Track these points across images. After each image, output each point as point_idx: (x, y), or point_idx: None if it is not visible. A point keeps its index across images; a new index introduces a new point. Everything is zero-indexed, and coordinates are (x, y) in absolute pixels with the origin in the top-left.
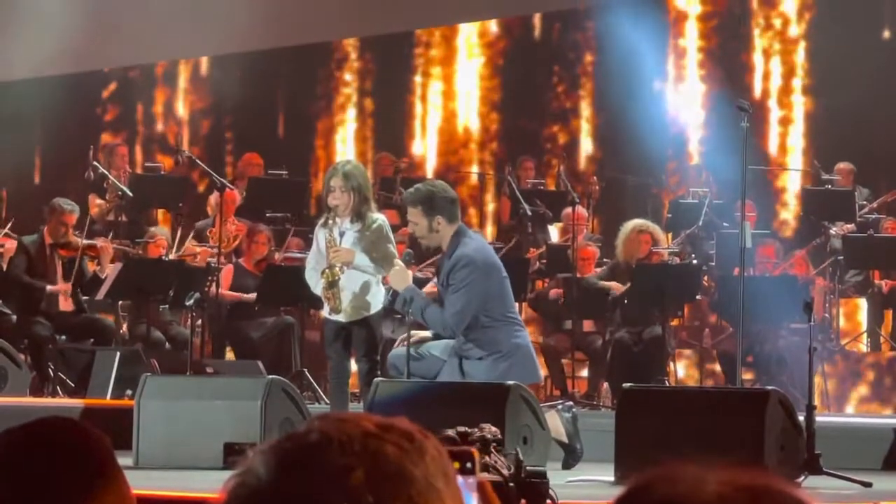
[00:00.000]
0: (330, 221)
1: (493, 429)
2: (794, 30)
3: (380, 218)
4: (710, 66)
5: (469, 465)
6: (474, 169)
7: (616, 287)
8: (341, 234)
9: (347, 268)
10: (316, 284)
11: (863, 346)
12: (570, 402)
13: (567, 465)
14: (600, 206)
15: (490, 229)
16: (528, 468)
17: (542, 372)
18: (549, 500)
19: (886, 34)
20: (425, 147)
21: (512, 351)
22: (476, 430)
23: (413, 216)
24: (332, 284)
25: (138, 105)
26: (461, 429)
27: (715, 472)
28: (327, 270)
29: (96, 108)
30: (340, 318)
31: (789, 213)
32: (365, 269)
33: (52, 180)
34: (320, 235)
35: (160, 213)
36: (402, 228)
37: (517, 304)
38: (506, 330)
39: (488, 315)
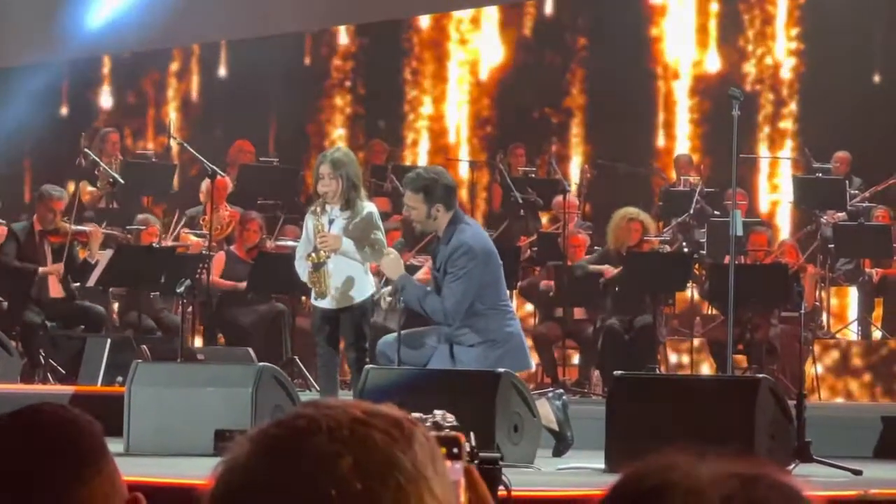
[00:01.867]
0: (319, 209)
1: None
2: (785, 15)
3: (369, 206)
4: (703, 53)
5: (456, 450)
6: (465, 155)
7: (607, 271)
8: (330, 222)
9: (335, 254)
10: (304, 273)
11: (852, 333)
12: (561, 390)
13: (558, 453)
14: (591, 194)
15: (480, 214)
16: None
17: (534, 361)
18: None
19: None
20: (417, 132)
21: (504, 339)
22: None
23: (412, 201)
24: (318, 267)
25: (129, 91)
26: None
27: (709, 460)
28: (313, 254)
29: (87, 94)
30: (328, 304)
31: (779, 199)
32: (353, 256)
33: (42, 167)
34: (309, 223)
35: (149, 199)
36: (394, 216)
37: (508, 293)
38: (498, 318)
39: (482, 303)
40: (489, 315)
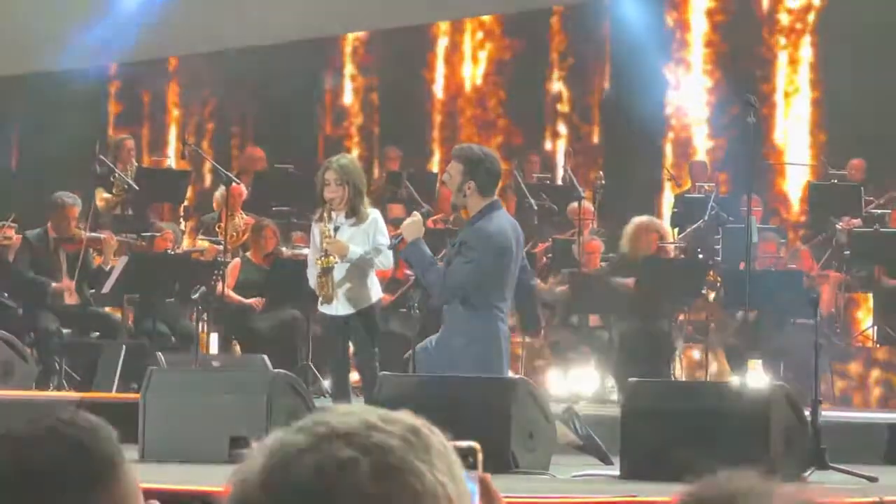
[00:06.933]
0: (326, 215)
1: None
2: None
3: (374, 212)
4: (718, 60)
5: (471, 459)
6: None
7: (631, 284)
8: (336, 229)
9: (341, 261)
10: (313, 280)
11: (869, 340)
12: (569, 407)
13: (608, 462)
14: (605, 200)
15: None
16: None
17: (511, 372)
18: None
19: None
20: (431, 139)
21: (486, 339)
22: None
23: (452, 168)
24: (327, 272)
25: (144, 98)
26: None
27: (777, 486)
28: (322, 258)
29: (103, 101)
30: (336, 310)
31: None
32: (359, 261)
33: (57, 174)
34: (316, 231)
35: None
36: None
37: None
38: (488, 318)
39: (477, 299)
40: (481, 314)
